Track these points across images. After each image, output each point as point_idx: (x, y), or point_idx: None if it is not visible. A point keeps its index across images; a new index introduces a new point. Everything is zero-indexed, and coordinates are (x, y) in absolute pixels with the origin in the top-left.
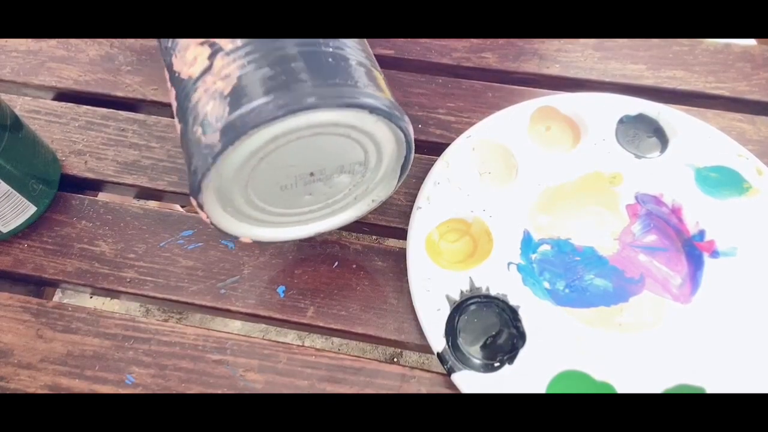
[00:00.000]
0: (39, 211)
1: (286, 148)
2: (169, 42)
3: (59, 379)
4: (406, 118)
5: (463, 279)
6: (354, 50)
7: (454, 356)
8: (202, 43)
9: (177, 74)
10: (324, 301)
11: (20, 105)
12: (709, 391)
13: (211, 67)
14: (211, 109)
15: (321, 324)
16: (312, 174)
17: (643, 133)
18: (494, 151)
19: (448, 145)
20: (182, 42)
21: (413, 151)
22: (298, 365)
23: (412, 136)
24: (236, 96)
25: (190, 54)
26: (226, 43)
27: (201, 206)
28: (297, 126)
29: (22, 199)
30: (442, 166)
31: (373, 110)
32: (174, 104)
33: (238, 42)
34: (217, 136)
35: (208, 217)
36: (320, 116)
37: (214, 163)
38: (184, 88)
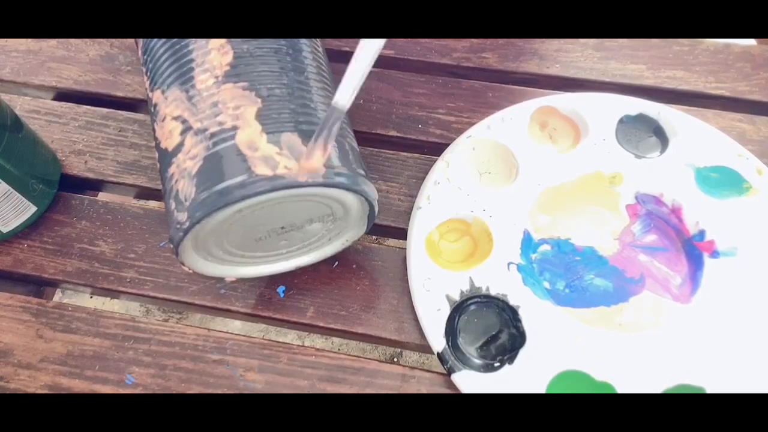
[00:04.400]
0: (39, 211)
1: (252, 215)
2: (152, 107)
3: (59, 379)
4: (361, 182)
5: (463, 279)
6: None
7: (454, 356)
8: (175, 118)
9: (158, 142)
10: (324, 301)
11: (20, 105)
12: (709, 391)
13: (183, 144)
14: (181, 187)
15: (321, 324)
16: (283, 227)
17: (643, 133)
18: (494, 151)
19: (448, 145)
20: (161, 112)
21: (376, 208)
22: (298, 365)
23: (375, 195)
24: (202, 178)
25: (166, 126)
26: (195, 122)
27: (182, 263)
28: (258, 201)
29: (22, 199)
30: (442, 166)
31: (324, 186)
32: (158, 165)
33: (204, 122)
34: (186, 214)
35: (190, 269)
36: (278, 194)
37: (185, 236)
38: (163, 157)
